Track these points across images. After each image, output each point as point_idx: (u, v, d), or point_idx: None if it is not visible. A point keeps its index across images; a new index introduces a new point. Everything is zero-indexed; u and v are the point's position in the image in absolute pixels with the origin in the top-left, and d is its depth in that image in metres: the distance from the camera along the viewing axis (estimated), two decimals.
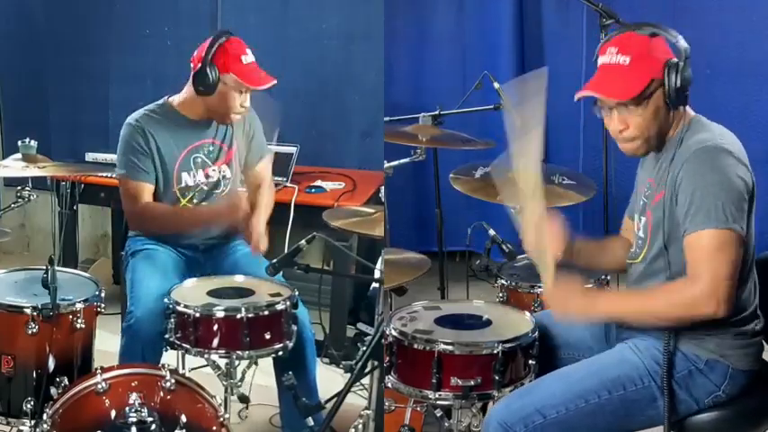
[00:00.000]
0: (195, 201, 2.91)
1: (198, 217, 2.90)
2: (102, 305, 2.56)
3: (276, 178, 3.77)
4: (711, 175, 1.91)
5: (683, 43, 1.98)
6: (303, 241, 2.33)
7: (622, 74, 1.99)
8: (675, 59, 1.97)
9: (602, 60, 2.04)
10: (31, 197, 2.63)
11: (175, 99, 2.91)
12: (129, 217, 2.94)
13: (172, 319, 2.48)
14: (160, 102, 2.92)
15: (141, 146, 2.81)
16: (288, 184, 3.77)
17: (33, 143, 2.45)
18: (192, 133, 2.90)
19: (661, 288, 2.01)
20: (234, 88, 2.77)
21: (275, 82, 2.79)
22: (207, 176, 2.92)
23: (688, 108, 2.06)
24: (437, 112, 3.18)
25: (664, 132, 2.05)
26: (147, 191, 2.83)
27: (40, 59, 4.72)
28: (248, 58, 2.79)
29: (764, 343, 2.11)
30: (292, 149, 3.90)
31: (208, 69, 2.72)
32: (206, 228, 2.91)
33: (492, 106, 3.30)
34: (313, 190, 3.76)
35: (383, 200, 2.79)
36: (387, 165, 2.84)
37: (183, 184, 2.88)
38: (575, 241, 2.26)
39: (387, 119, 3.42)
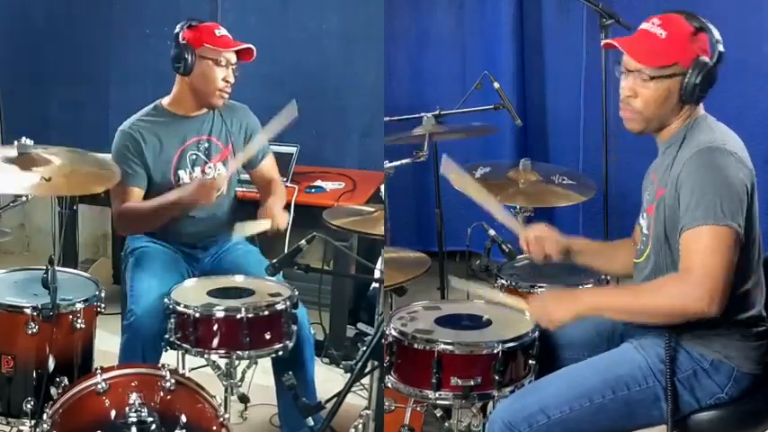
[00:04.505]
0: None
1: (168, 202, 2.78)
2: (102, 305, 2.56)
3: None
4: (711, 173, 1.91)
5: (720, 48, 2.00)
6: (303, 241, 2.34)
7: (654, 43, 2.00)
8: (707, 59, 1.99)
9: (642, 26, 2.06)
10: (29, 196, 2.62)
11: (165, 99, 2.94)
12: (115, 221, 2.96)
13: (172, 319, 2.48)
14: (152, 105, 2.94)
15: (132, 151, 2.83)
16: (288, 184, 3.77)
17: (30, 142, 2.45)
18: (184, 131, 2.91)
19: (654, 283, 2.00)
20: (211, 60, 2.79)
21: (250, 46, 2.82)
22: (204, 173, 2.93)
23: (700, 106, 2.07)
24: (437, 112, 3.18)
25: (666, 120, 2.06)
26: (135, 195, 2.84)
27: (39, 59, 4.72)
28: (221, 31, 2.83)
29: None
30: (292, 149, 3.90)
31: (182, 47, 2.77)
32: (185, 209, 2.83)
33: (492, 106, 3.30)
34: (313, 190, 3.76)
35: (383, 199, 2.80)
36: (388, 165, 2.85)
37: (182, 182, 2.89)
38: (572, 241, 2.28)
39: (387, 119, 3.42)
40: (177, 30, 2.81)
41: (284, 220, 2.85)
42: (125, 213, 2.84)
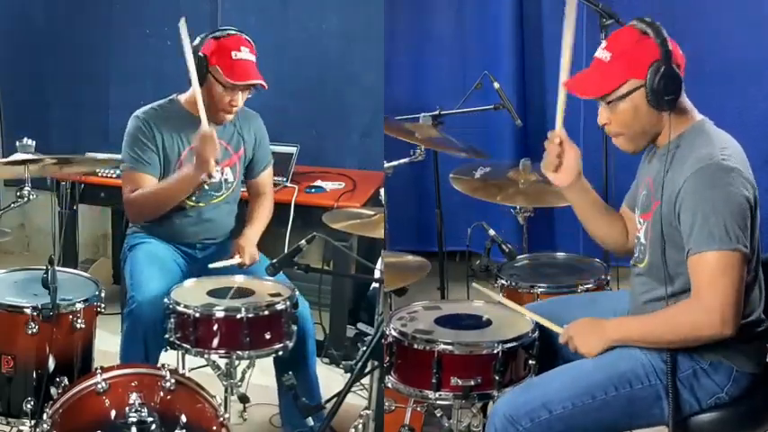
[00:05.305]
0: (195, 199, 2.91)
1: (174, 180, 2.82)
2: (102, 305, 2.56)
3: (276, 178, 3.77)
4: (713, 193, 1.89)
5: (669, 46, 1.96)
6: (303, 241, 2.34)
7: (601, 70, 2.03)
8: (659, 61, 1.95)
9: (596, 53, 2.08)
10: (31, 196, 2.62)
11: (183, 96, 2.93)
12: (128, 208, 2.92)
13: (172, 319, 2.48)
14: (168, 98, 2.94)
15: (146, 138, 2.83)
16: (288, 184, 3.77)
17: (31, 142, 2.45)
18: (196, 131, 2.89)
19: (666, 311, 2.00)
20: (219, 82, 2.76)
21: (261, 82, 2.77)
22: (210, 176, 2.92)
23: (694, 112, 2.05)
24: (437, 112, 3.18)
25: (652, 133, 2.05)
26: (148, 182, 2.83)
27: (39, 60, 4.72)
28: (241, 54, 2.77)
29: None
30: (292, 149, 3.90)
31: (198, 59, 2.73)
32: (190, 188, 2.84)
33: (492, 106, 3.30)
34: (313, 190, 3.76)
35: (383, 202, 2.80)
36: (386, 165, 2.85)
37: None
38: (586, 183, 2.26)
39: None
40: (197, 41, 2.76)
41: (252, 258, 2.85)
42: (138, 200, 2.82)
